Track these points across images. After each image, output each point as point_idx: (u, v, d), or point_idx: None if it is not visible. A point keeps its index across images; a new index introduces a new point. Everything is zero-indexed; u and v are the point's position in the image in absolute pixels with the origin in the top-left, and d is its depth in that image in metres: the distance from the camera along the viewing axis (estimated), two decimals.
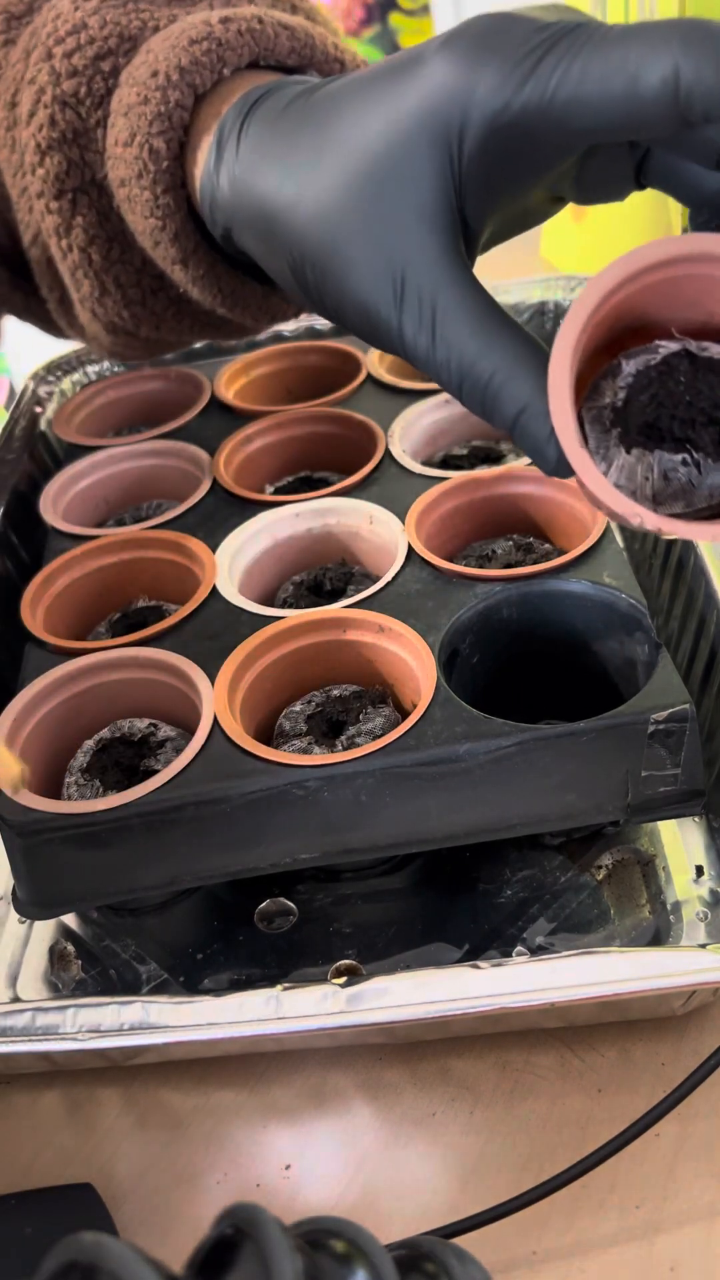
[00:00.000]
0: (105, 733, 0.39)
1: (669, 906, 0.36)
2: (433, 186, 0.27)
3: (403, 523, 0.42)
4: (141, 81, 0.34)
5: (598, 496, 0.25)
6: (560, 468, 0.26)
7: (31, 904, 0.36)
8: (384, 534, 0.43)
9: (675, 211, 0.53)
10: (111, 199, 0.38)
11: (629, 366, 0.26)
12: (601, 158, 0.29)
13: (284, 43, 0.35)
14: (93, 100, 0.36)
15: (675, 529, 0.25)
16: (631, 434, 0.26)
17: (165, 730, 0.38)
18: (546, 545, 0.43)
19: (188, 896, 0.40)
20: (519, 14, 0.26)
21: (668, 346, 0.26)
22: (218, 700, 0.36)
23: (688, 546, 0.42)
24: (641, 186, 0.30)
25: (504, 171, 0.27)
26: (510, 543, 0.43)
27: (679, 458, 0.25)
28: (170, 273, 0.38)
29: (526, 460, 0.45)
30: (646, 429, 0.26)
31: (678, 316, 0.26)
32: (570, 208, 0.79)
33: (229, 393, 0.53)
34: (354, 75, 0.30)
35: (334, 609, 0.39)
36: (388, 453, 0.47)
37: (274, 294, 0.39)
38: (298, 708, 0.38)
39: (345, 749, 0.36)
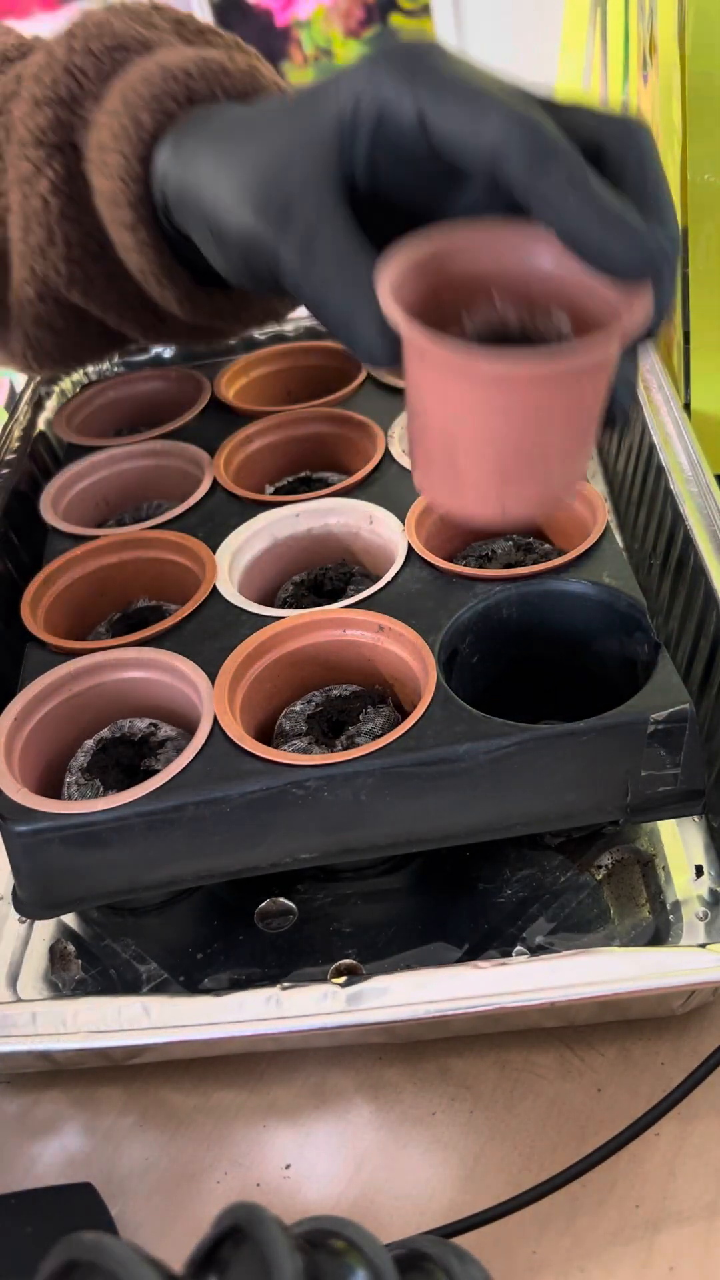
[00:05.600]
0: (106, 732, 0.39)
1: (669, 906, 0.36)
2: (330, 145, 0.32)
3: (403, 523, 0.42)
4: (148, 70, 0.39)
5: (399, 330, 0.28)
6: (382, 353, 0.31)
7: (32, 904, 0.36)
8: (384, 534, 0.43)
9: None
10: (82, 161, 0.42)
11: (469, 327, 0.31)
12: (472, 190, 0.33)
13: (274, 95, 0.40)
14: (97, 76, 0.41)
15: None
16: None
17: (166, 730, 0.38)
18: (546, 545, 0.43)
19: (188, 896, 0.40)
20: (443, 47, 0.31)
21: (495, 315, 0.31)
22: (218, 700, 0.36)
23: (687, 546, 0.42)
24: None
25: (385, 151, 0.32)
26: (510, 543, 0.43)
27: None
28: (117, 236, 0.41)
29: None
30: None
31: (508, 273, 0.31)
32: None
33: (229, 393, 0.53)
34: (299, 89, 0.35)
35: (334, 609, 0.39)
36: (388, 453, 0.47)
37: (202, 291, 0.42)
38: (298, 708, 0.38)
39: (345, 749, 0.36)
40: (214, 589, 0.41)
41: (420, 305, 0.30)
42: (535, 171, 0.28)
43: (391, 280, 0.29)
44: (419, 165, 0.31)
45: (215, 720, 0.36)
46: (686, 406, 0.54)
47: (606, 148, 0.30)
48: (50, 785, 0.38)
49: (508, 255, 0.31)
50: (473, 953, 0.36)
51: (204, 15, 1.93)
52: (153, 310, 0.45)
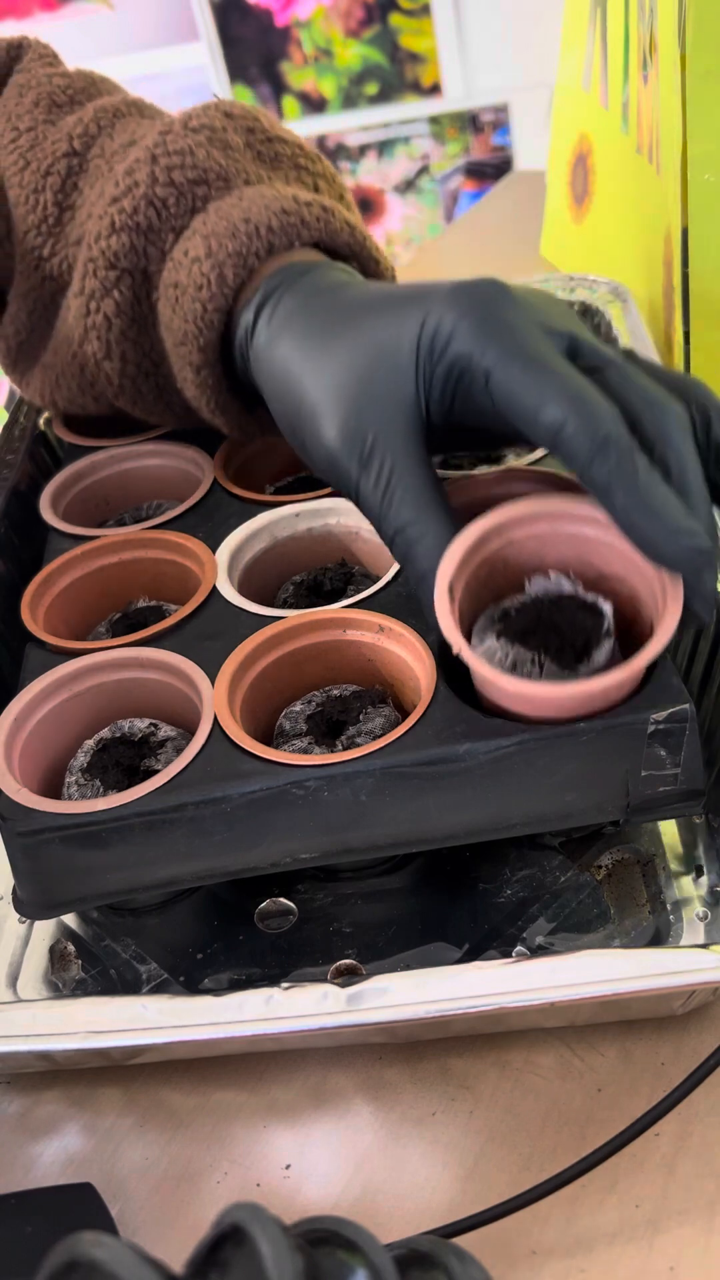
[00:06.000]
0: (105, 733, 0.39)
1: (669, 906, 0.36)
2: (409, 387, 0.35)
3: None
4: (232, 220, 0.41)
5: (439, 626, 0.33)
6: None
7: (32, 904, 0.36)
8: None
9: (674, 210, 0.53)
10: (151, 289, 0.44)
11: (529, 590, 0.35)
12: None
13: (344, 237, 0.43)
14: (178, 210, 0.43)
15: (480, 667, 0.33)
16: (506, 632, 0.34)
17: (165, 730, 0.38)
18: None
19: (188, 896, 0.40)
20: (515, 297, 0.34)
21: (552, 584, 0.35)
22: (218, 700, 0.36)
23: None
24: None
25: (455, 394, 0.34)
26: None
27: (529, 655, 0.34)
28: (179, 370, 0.44)
29: (527, 460, 0.45)
30: (520, 634, 0.34)
31: (567, 556, 0.35)
32: (571, 207, 0.79)
33: None
34: (382, 287, 0.38)
35: (334, 609, 0.39)
36: None
37: (251, 419, 0.45)
38: (298, 708, 0.38)
39: (345, 749, 0.36)
40: (214, 589, 0.41)
41: (485, 571, 0.35)
42: (590, 459, 0.31)
43: (452, 567, 0.33)
44: (485, 405, 0.34)
45: (215, 720, 0.36)
46: None
47: (643, 422, 0.32)
48: (50, 785, 0.38)
49: (564, 526, 0.34)
50: (473, 953, 0.36)
51: (204, 15, 1.92)
52: (195, 418, 0.47)
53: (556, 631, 0.34)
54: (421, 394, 0.35)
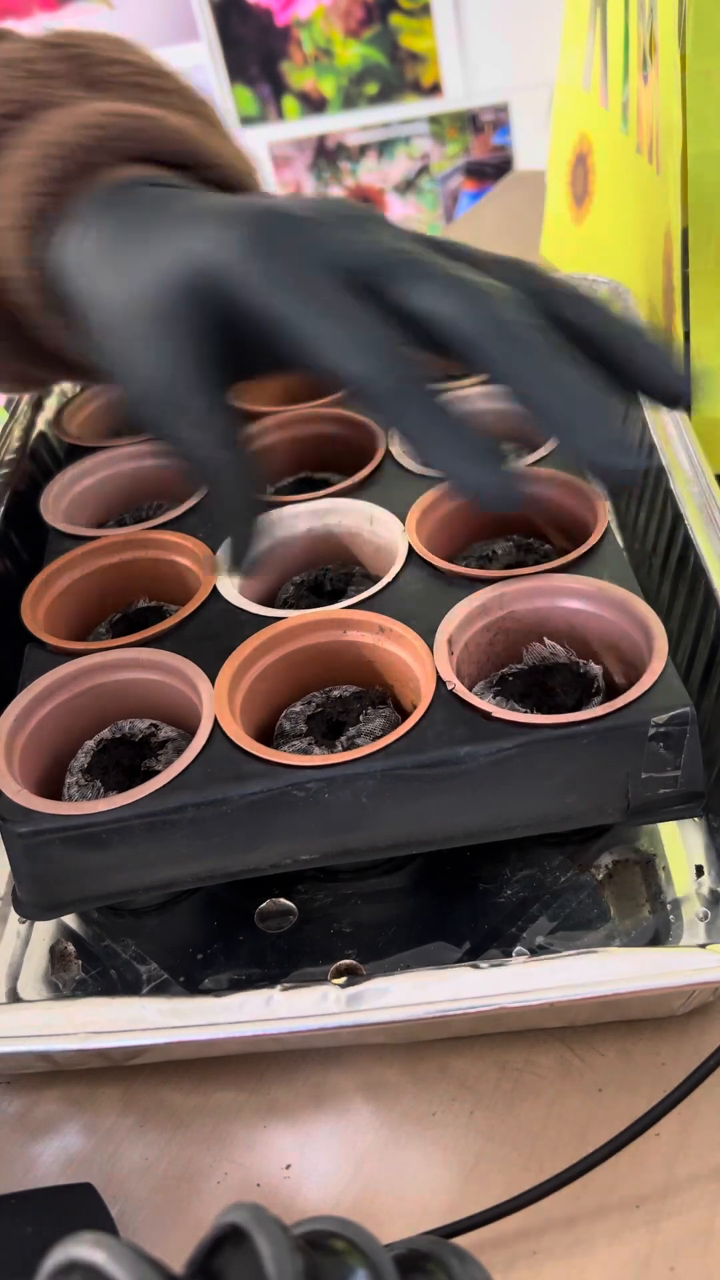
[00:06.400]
0: (106, 733, 0.39)
1: (669, 906, 0.36)
2: (199, 322, 0.34)
3: (403, 523, 0.42)
4: (32, 147, 0.39)
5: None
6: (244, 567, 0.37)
7: (32, 905, 0.36)
8: (384, 534, 0.43)
9: (674, 210, 0.53)
10: None
11: (526, 659, 0.38)
12: None
13: (172, 145, 0.40)
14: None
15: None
16: (504, 693, 0.37)
17: (166, 731, 0.38)
18: (547, 545, 0.43)
19: (188, 897, 0.40)
20: (294, 228, 0.33)
21: (547, 651, 0.38)
22: (218, 701, 0.36)
23: (688, 546, 0.42)
24: None
25: (256, 337, 0.33)
26: (510, 543, 0.43)
27: (523, 711, 0.36)
28: (34, 320, 0.41)
29: (527, 461, 0.45)
30: (517, 695, 0.37)
31: (561, 628, 0.39)
32: (571, 207, 0.79)
33: None
34: (173, 204, 0.36)
35: (334, 609, 0.39)
36: (388, 453, 0.47)
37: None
38: (298, 708, 0.38)
39: (345, 750, 0.36)
40: (214, 589, 0.42)
41: (488, 639, 0.38)
42: (387, 408, 0.32)
43: (453, 625, 0.37)
44: (281, 349, 0.33)
45: (215, 721, 0.36)
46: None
47: (471, 339, 0.31)
48: (50, 786, 0.38)
49: (560, 601, 0.37)
50: (473, 953, 0.36)
51: (204, 15, 1.92)
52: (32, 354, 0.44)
53: (549, 693, 0.37)
54: (213, 332, 0.34)
